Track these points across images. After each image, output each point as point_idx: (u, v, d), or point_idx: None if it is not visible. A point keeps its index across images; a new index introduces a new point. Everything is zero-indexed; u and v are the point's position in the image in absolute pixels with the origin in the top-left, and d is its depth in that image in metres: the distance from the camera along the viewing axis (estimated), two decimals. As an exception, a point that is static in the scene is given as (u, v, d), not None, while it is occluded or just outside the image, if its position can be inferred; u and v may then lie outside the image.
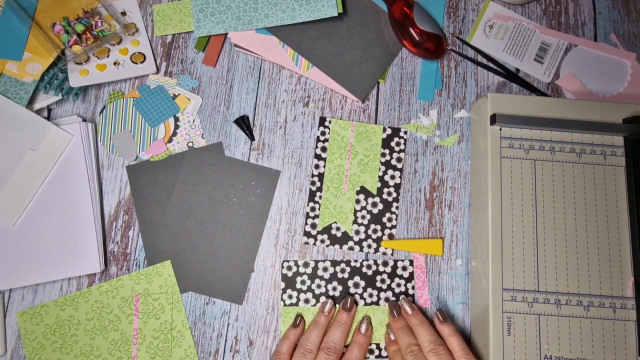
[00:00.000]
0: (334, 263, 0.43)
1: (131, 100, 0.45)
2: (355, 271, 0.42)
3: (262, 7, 0.45)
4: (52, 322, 0.41)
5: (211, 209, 0.44)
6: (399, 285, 0.42)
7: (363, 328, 0.40)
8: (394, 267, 0.43)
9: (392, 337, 0.39)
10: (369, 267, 0.42)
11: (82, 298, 0.41)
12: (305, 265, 0.43)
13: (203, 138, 0.45)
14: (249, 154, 0.45)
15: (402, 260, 0.43)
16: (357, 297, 0.42)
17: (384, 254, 0.43)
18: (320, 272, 0.42)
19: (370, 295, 0.42)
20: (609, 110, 0.41)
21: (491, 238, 0.39)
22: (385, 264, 0.43)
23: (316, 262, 0.43)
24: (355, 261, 0.43)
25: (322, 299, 0.42)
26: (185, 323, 0.41)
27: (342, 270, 0.42)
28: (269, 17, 0.44)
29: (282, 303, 0.42)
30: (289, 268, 0.42)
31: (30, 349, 0.40)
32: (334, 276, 0.42)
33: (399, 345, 0.38)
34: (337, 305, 0.42)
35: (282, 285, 0.42)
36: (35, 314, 0.41)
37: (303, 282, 0.42)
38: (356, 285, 0.42)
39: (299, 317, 0.41)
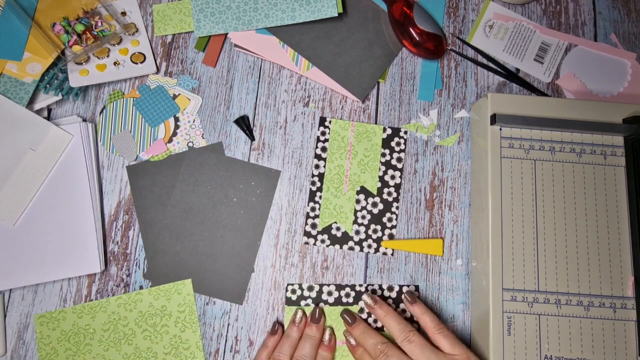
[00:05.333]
0: (339, 287, 0.42)
1: (131, 100, 0.45)
2: (360, 296, 0.42)
3: (262, 7, 0.45)
4: (68, 328, 0.41)
5: (211, 209, 0.44)
6: (404, 311, 0.42)
7: (326, 338, 0.40)
8: (399, 292, 0.42)
9: (353, 342, 0.39)
10: (374, 291, 0.42)
11: (99, 307, 0.41)
12: (310, 289, 0.42)
13: (203, 138, 0.45)
14: (249, 154, 0.45)
15: (408, 286, 0.42)
16: None
17: (384, 254, 0.43)
18: (324, 297, 0.42)
19: (375, 321, 0.41)
20: (609, 110, 0.41)
21: (491, 238, 0.39)
22: (390, 289, 0.42)
23: (321, 286, 0.42)
24: (360, 285, 0.42)
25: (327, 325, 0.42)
26: (200, 344, 0.41)
27: (347, 295, 0.42)
28: (269, 17, 0.44)
29: (285, 324, 0.41)
30: (293, 292, 0.42)
31: (43, 353, 0.40)
32: (338, 300, 0.42)
33: (366, 349, 0.38)
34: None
35: (286, 308, 0.42)
36: (52, 319, 0.41)
37: (307, 306, 0.42)
38: (361, 310, 0.42)
39: (277, 324, 0.41)
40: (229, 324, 0.42)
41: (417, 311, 0.38)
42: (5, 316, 0.41)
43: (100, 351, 0.40)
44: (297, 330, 0.40)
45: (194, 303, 0.42)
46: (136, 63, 0.45)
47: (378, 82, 0.47)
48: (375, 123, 0.46)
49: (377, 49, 0.46)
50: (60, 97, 0.44)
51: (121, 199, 0.44)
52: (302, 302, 0.42)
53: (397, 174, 0.45)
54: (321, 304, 0.42)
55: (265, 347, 0.40)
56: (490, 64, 0.47)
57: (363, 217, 0.44)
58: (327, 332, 0.40)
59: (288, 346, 0.39)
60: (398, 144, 0.45)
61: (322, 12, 0.44)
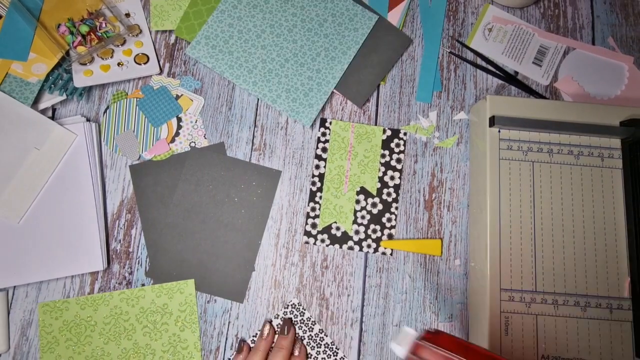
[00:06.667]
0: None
1: (134, 101, 0.46)
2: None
3: (254, 76, 0.45)
4: (70, 319, 0.41)
5: (213, 208, 0.44)
6: None
7: (296, 351, 0.40)
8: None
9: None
10: None
11: (102, 301, 0.42)
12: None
13: (205, 138, 0.46)
14: (251, 154, 0.46)
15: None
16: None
17: (384, 253, 0.44)
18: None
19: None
20: (607, 112, 0.41)
21: (489, 239, 0.39)
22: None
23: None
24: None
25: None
26: (197, 345, 0.41)
27: None
28: (256, 86, 0.44)
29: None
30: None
31: (45, 341, 0.41)
32: None
33: None
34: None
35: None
36: (56, 308, 0.41)
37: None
38: None
39: (242, 342, 0.41)
40: (229, 322, 0.42)
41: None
42: (9, 313, 0.42)
43: (100, 344, 0.41)
44: (265, 343, 0.40)
45: (195, 303, 0.42)
46: (139, 64, 0.46)
47: (378, 84, 0.47)
48: (375, 124, 0.46)
49: (375, 56, 0.47)
50: (64, 97, 0.45)
51: (124, 197, 0.44)
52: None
53: (397, 174, 0.45)
54: (289, 316, 0.42)
55: None
56: (489, 67, 0.48)
57: (363, 217, 0.44)
58: (297, 345, 0.41)
59: (258, 358, 0.39)
60: (397, 145, 0.46)
61: (299, 117, 0.44)
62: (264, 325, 0.41)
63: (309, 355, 0.41)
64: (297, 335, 0.42)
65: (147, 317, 0.41)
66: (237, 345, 0.42)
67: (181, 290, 0.42)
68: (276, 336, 0.41)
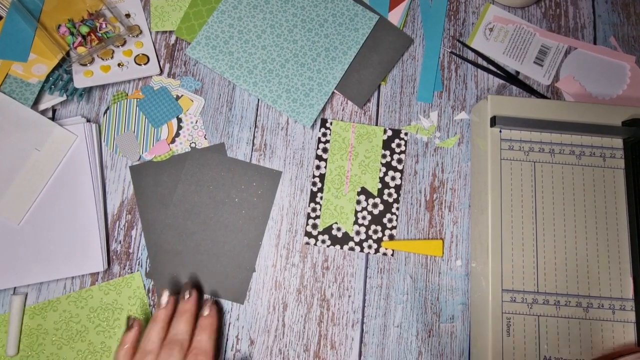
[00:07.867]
0: None
1: (135, 101, 0.46)
2: None
3: (255, 77, 0.44)
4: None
5: (213, 209, 0.44)
6: None
7: (206, 311, 0.35)
8: None
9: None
10: None
11: (50, 307, 0.41)
12: None
13: (205, 139, 0.46)
14: (251, 155, 0.46)
15: None
16: None
17: (385, 254, 0.44)
18: None
19: None
20: (609, 112, 0.41)
21: (491, 239, 0.39)
22: None
23: None
24: None
25: None
26: None
27: None
28: (257, 86, 0.44)
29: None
30: None
31: None
32: None
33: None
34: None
35: None
36: (4, 321, 0.41)
37: None
38: None
39: (132, 319, 0.36)
40: (230, 323, 0.42)
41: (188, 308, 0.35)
42: (22, 316, 0.41)
43: (54, 350, 0.40)
44: (165, 311, 0.35)
45: (144, 295, 0.42)
46: (140, 64, 0.46)
47: (379, 84, 0.47)
48: (376, 125, 0.46)
49: (375, 56, 0.47)
50: (64, 97, 0.45)
51: (124, 198, 0.44)
52: None
53: (398, 175, 0.45)
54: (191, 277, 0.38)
55: (122, 345, 0.34)
56: (490, 67, 0.48)
57: (363, 217, 0.44)
58: (207, 305, 0.36)
59: (156, 332, 0.34)
60: (398, 145, 0.46)
61: (300, 119, 0.44)
62: (160, 293, 0.36)
63: (223, 311, 0.37)
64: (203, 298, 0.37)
65: (98, 316, 0.41)
66: (126, 323, 0.37)
67: (128, 285, 0.42)
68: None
